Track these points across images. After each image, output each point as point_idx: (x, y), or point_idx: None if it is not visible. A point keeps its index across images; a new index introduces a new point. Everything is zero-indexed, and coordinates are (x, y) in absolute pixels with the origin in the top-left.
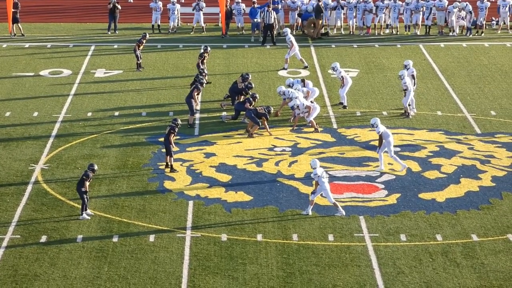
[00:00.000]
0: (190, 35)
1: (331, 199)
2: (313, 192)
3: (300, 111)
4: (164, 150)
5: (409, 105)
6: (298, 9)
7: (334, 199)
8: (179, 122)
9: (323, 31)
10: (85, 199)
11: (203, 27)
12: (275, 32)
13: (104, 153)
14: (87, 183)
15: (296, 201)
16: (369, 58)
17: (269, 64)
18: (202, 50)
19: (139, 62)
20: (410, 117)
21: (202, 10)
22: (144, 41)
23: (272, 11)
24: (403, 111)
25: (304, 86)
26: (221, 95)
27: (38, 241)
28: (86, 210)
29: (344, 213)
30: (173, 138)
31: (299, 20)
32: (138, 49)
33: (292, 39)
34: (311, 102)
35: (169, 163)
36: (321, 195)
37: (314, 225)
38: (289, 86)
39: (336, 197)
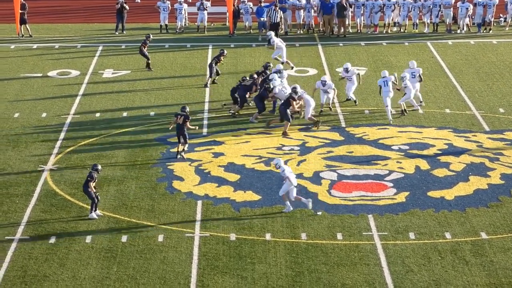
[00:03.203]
0: (196, 34)
1: (293, 195)
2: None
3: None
4: (176, 139)
5: (420, 101)
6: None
7: (305, 199)
8: (188, 109)
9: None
10: (95, 199)
11: (205, 26)
12: (282, 32)
13: (113, 153)
14: (92, 184)
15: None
16: (377, 56)
17: (277, 63)
18: (218, 53)
19: (149, 61)
20: (406, 114)
21: (206, 10)
22: (148, 41)
23: (278, 10)
24: (400, 110)
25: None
26: (229, 95)
27: (47, 242)
28: (95, 210)
29: (291, 209)
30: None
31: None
32: (144, 49)
33: (277, 41)
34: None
35: (184, 149)
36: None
37: (322, 224)
38: (278, 72)
39: (345, 196)
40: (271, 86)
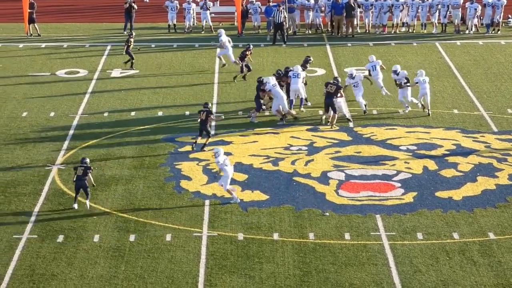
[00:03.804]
0: (204, 34)
1: (226, 186)
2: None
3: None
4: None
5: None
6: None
7: (231, 186)
8: (210, 105)
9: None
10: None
11: (211, 26)
12: (290, 31)
13: (121, 153)
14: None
15: (313, 200)
16: (385, 56)
17: (286, 63)
18: (245, 48)
19: (133, 61)
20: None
21: (209, 10)
22: (132, 40)
23: (282, 10)
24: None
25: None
26: (237, 95)
27: (55, 241)
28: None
29: (238, 200)
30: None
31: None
32: (129, 48)
33: (225, 40)
34: (274, 86)
35: (205, 143)
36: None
37: (330, 224)
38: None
39: (353, 196)
40: (264, 82)
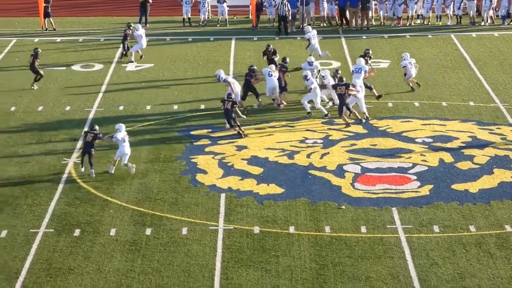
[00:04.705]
0: (219, 28)
1: (124, 161)
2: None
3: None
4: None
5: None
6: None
7: (128, 163)
8: (233, 95)
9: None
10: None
11: (226, 19)
12: (305, 24)
13: (136, 147)
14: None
15: (328, 193)
16: (400, 49)
17: (300, 55)
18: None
19: (124, 52)
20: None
21: (226, 2)
22: (131, 31)
23: (286, 3)
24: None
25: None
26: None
27: (72, 235)
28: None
29: (112, 171)
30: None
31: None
32: (127, 39)
33: (142, 32)
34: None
35: (240, 131)
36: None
37: (346, 217)
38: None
39: (369, 189)
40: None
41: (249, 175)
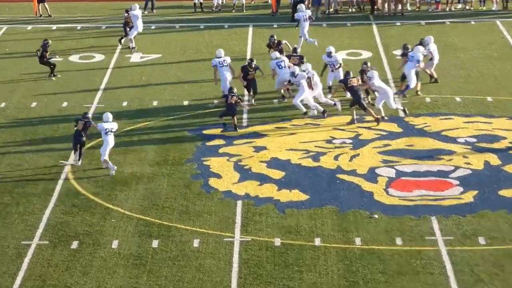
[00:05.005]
0: (234, 13)
1: (104, 156)
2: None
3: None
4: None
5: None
6: None
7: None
8: (236, 90)
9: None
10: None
11: (243, 4)
12: (331, 9)
13: (142, 147)
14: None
15: (359, 200)
16: (438, 37)
17: (323, 43)
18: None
19: (123, 38)
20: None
21: None
22: (128, 14)
23: None
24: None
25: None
26: (272, 81)
27: (69, 247)
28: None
29: (114, 169)
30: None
31: None
32: (128, 25)
33: (139, 14)
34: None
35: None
36: None
37: (379, 227)
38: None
39: (405, 195)
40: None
41: (268, 179)
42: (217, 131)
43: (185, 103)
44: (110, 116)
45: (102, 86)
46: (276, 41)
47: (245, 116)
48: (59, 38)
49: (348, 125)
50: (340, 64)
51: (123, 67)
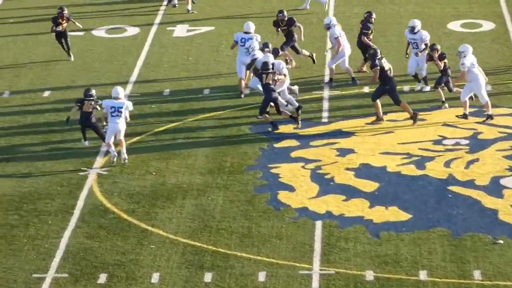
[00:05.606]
0: None
1: (108, 139)
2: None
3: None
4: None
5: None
6: None
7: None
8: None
9: None
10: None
11: None
12: None
13: (190, 150)
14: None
15: (478, 220)
16: None
17: (433, 13)
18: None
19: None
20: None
21: None
22: None
23: None
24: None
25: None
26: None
27: (95, 282)
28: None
29: (115, 155)
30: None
31: None
32: None
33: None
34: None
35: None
36: None
37: (506, 256)
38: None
39: None
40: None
41: (357, 193)
42: (289, 127)
43: (246, 91)
44: (120, 90)
45: (137, 69)
46: (286, 18)
47: (325, 106)
48: (80, 7)
49: (462, 119)
50: (426, 45)
51: (163, 44)
